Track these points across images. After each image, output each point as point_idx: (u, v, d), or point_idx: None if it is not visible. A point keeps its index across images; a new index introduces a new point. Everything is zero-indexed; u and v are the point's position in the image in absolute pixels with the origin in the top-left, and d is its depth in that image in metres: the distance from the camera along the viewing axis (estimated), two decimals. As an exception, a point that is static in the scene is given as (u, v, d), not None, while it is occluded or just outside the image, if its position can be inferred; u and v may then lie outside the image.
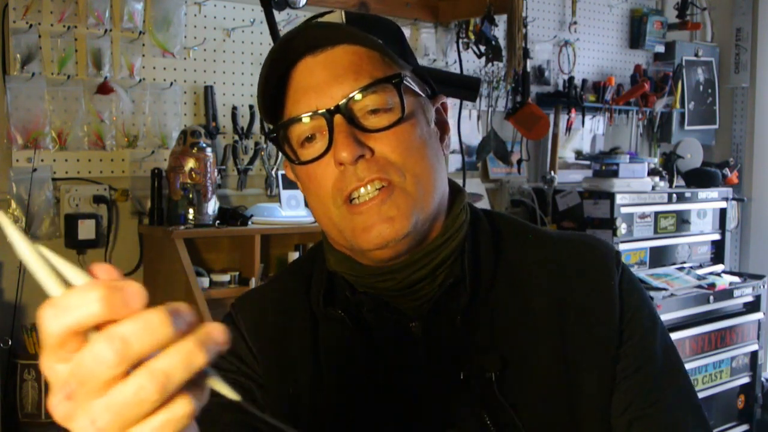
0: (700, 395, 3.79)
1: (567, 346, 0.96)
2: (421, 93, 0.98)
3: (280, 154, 3.04)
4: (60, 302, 0.49)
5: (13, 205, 2.44)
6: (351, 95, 0.90)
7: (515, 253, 1.01)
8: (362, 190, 0.91)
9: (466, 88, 1.17)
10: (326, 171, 0.92)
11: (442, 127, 1.02)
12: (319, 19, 0.96)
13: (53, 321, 0.49)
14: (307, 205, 2.82)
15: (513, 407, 0.93)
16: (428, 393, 0.95)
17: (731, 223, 4.12)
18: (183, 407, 0.50)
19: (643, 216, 3.54)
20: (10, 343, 2.36)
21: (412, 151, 0.92)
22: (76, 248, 2.54)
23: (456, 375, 0.94)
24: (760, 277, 3.88)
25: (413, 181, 0.92)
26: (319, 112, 0.91)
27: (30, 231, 2.45)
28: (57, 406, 0.50)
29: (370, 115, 0.92)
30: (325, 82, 0.91)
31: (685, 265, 3.75)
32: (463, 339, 0.95)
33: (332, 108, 0.90)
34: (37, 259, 0.51)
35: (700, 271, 3.76)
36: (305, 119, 0.91)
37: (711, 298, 3.53)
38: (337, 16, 0.96)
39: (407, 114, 0.92)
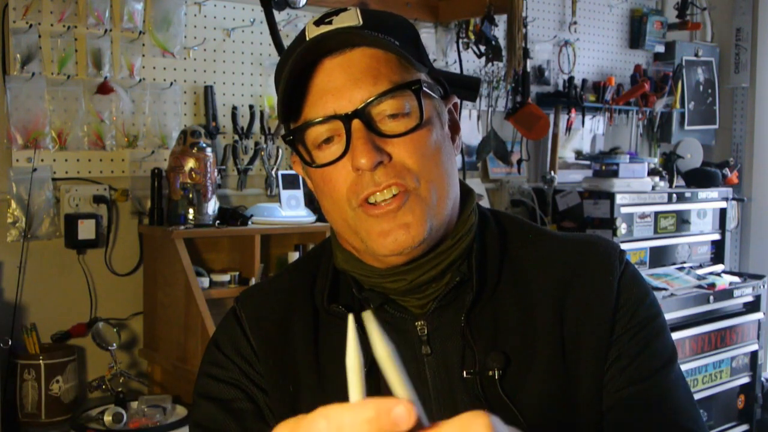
0: (700, 395, 3.79)
1: (565, 343, 0.97)
2: (436, 95, 0.98)
3: (281, 153, 3.06)
4: (334, 417, 0.50)
5: (13, 205, 2.44)
6: (370, 100, 0.90)
7: (520, 253, 1.02)
8: (378, 195, 0.91)
9: (466, 88, 1.17)
10: (342, 174, 0.92)
11: (454, 127, 1.02)
12: (334, 17, 0.95)
13: None
14: (307, 205, 2.83)
15: (516, 405, 0.94)
16: (431, 391, 0.96)
17: (731, 223, 4.12)
18: None
19: (643, 216, 3.54)
20: (10, 343, 2.36)
21: (427, 157, 0.93)
22: (76, 248, 2.54)
23: (459, 373, 0.95)
24: (760, 277, 3.88)
25: (428, 188, 0.92)
26: (337, 116, 0.91)
27: (30, 231, 2.45)
28: None
29: (388, 120, 0.92)
30: (343, 86, 0.91)
31: (685, 265, 3.75)
32: (466, 337, 0.96)
33: (350, 112, 0.90)
34: (359, 367, 0.54)
35: (700, 271, 3.76)
36: (323, 123, 0.91)
37: (711, 298, 3.53)
38: (353, 15, 0.95)
39: (425, 120, 0.93)
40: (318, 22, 0.95)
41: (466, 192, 1.03)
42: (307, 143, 0.94)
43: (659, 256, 3.64)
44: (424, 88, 0.94)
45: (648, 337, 0.98)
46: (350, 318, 0.54)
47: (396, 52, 0.92)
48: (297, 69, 0.91)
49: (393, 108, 0.92)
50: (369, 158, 0.89)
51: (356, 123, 0.90)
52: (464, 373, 0.95)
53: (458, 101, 1.05)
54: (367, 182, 0.91)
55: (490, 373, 0.94)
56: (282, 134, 1.01)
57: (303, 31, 0.97)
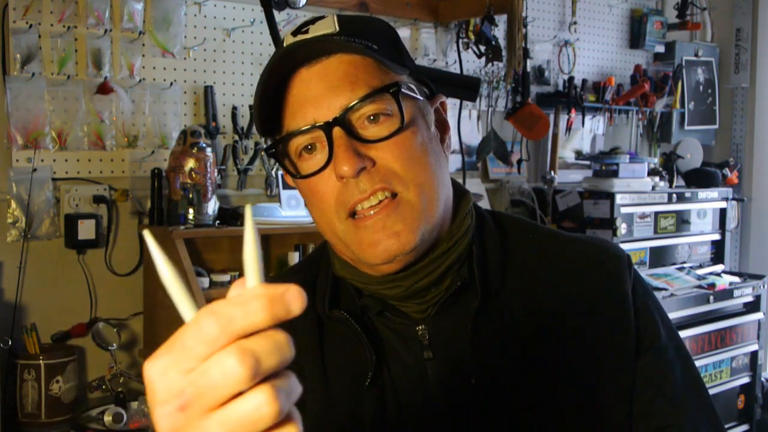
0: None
1: (581, 350, 0.96)
2: (420, 96, 0.96)
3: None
4: (223, 311, 0.48)
5: (13, 205, 2.44)
6: (349, 107, 0.89)
7: (523, 254, 1.00)
8: (365, 202, 0.90)
9: (466, 88, 1.16)
10: (328, 184, 0.91)
11: (442, 127, 1.01)
12: (311, 26, 0.94)
13: (213, 330, 0.48)
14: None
15: (527, 412, 0.93)
16: (434, 395, 0.95)
17: (731, 223, 4.11)
18: (291, 430, 0.49)
19: (643, 216, 3.54)
20: (10, 343, 2.36)
21: (414, 160, 0.91)
22: (76, 248, 2.54)
23: (466, 379, 0.94)
24: (760, 277, 3.88)
25: (417, 192, 0.91)
26: (318, 125, 0.89)
27: (30, 231, 2.45)
28: (165, 417, 0.49)
29: (369, 124, 0.90)
30: (321, 94, 0.90)
31: (685, 265, 3.75)
32: (473, 343, 0.94)
33: (330, 120, 0.89)
34: (177, 282, 0.51)
35: (700, 271, 3.76)
36: (304, 133, 0.90)
37: (711, 298, 3.53)
38: (330, 22, 0.94)
39: (407, 122, 0.91)
40: (295, 32, 0.95)
41: (461, 193, 1.01)
42: (290, 155, 0.94)
43: (659, 256, 3.64)
44: (403, 90, 0.92)
45: (670, 359, 0.99)
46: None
47: (372, 56, 0.90)
48: (273, 81, 0.91)
49: (373, 112, 0.90)
50: (351, 165, 0.88)
51: (337, 131, 0.89)
52: (472, 379, 0.93)
53: (445, 100, 1.03)
54: (352, 190, 0.89)
55: (499, 378, 0.93)
56: (264, 147, 1.01)
57: (282, 42, 0.96)
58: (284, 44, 0.95)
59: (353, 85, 0.90)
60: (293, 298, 0.49)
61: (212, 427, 0.48)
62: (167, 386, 0.49)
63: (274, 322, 0.49)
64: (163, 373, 0.49)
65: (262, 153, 2.89)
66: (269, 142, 0.98)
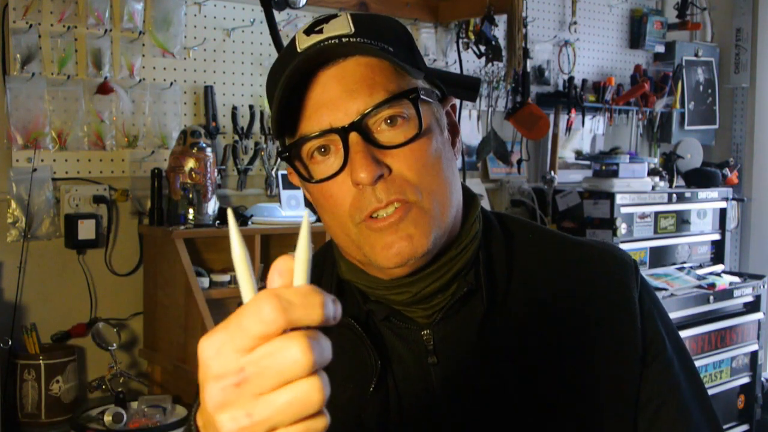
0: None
1: (586, 356, 0.95)
2: (434, 100, 0.95)
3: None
4: (286, 297, 0.50)
5: (13, 205, 2.44)
6: (366, 112, 0.87)
7: (529, 259, 1.00)
8: (382, 211, 0.89)
9: (466, 88, 1.16)
10: (342, 189, 0.89)
11: (453, 130, 0.99)
12: (325, 25, 0.92)
13: (272, 313, 0.50)
14: (307, 206, 2.83)
15: (532, 417, 0.92)
16: (438, 400, 0.94)
17: (731, 223, 4.12)
18: (322, 423, 0.53)
19: (643, 216, 3.54)
20: (10, 343, 2.36)
21: (428, 167, 0.90)
22: (76, 248, 2.54)
23: (471, 384, 0.93)
24: (760, 277, 3.88)
25: (430, 199, 0.90)
26: (334, 129, 0.88)
27: (30, 231, 2.45)
28: (218, 391, 0.51)
29: (386, 128, 0.89)
30: (338, 98, 0.88)
31: (685, 265, 3.75)
32: (478, 348, 0.94)
33: (347, 125, 0.87)
34: (245, 263, 0.54)
35: (700, 271, 3.76)
36: (319, 137, 0.89)
37: (711, 298, 3.53)
38: (344, 22, 0.92)
39: (424, 128, 0.90)
40: (308, 31, 0.92)
41: (470, 198, 1.01)
42: (303, 158, 0.92)
43: (659, 256, 3.64)
44: (422, 96, 0.91)
45: (677, 373, 0.99)
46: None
47: (391, 60, 0.88)
48: (291, 84, 0.88)
49: (390, 116, 0.89)
50: (368, 172, 0.86)
51: (353, 136, 0.87)
52: (477, 384, 0.93)
53: (456, 102, 1.02)
54: (369, 197, 0.88)
55: (503, 384, 0.93)
56: (278, 150, 0.99)
57: (293, 41, 0.94)
58: (297, 42, 0.93)
59: (371, 89, 0.88)
60: (338, 309, 0.52)
61: (259, 408, 0.50)
62: (223, 362, 0.51)
63: (323, 323, 0.51)
64: (218, 350, 0.51)
65: (262, 153, 2.89)
66: (280, 146, 0.96)
